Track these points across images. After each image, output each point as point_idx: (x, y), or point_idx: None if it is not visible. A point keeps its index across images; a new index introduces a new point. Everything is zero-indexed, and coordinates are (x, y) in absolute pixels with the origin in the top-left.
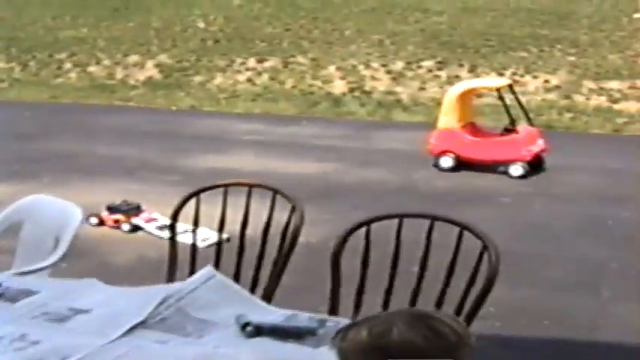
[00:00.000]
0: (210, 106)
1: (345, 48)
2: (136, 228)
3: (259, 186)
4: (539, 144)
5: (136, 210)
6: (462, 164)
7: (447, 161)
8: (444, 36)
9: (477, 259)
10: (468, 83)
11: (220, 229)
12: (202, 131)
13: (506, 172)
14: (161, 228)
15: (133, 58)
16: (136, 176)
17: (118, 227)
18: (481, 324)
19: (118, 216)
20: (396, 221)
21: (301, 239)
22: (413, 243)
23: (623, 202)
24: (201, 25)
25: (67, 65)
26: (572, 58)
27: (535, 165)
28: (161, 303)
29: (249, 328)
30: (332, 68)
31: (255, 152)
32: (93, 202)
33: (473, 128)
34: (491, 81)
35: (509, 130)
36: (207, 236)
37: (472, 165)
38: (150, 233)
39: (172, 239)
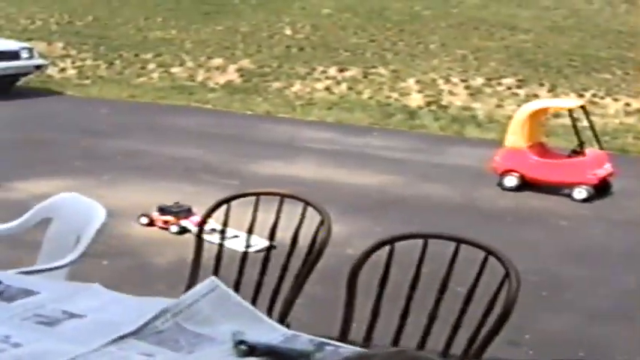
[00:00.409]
0: (285, 112)
1: (427, 62)
2: (184, 230)
3: (291, 196)
4: (607, 168)
5: (187, 212)
6: (526, 184)
7: (511, 180)
8: (529, 54)
9: (497, 287)
10: (539, 103)
11: (249, 235)
12: (272, 137)
13: (570, 195)
14: (209, 232)
15: (217, 62)
16: (196, 178)
17: (167, 228)
18: (513, 351)
19: (168, 217)
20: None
21: (348, 250)
22: (440, 264)
23: None
24: (288, 32)
25: (151, 65)
26: None
27: (601, 189)
28: (158, 316)
29: (242, 347)
30: (411, 81)
31: (320, 161)
32: (148, 202)
33: (541, 148)
34: (564, 101)
35: (577, 152)
36: (254, 242)
37: (537, 186)
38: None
39: (199, 241)
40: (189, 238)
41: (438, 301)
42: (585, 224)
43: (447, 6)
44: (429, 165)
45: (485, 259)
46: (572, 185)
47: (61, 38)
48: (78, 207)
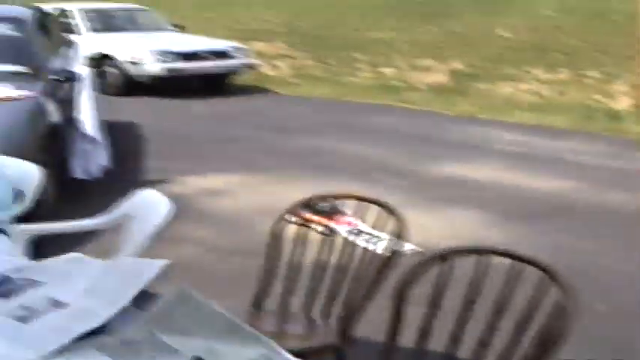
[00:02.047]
0: (486, 113)
1: None
2: (331, 231)
3: (362, 199)
4: None
5: (336, 213)
6: None
7: None
8: None
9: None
10: None
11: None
12: (464, 138)
13: None
14: (355, 234)
15: (427, 62)
16: (368, 178)
17: (312, 227)
18: None
19: (315, 216)
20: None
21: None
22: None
23: None
24: (504, 33)
25: (362, 65)
26: None
27: None
28: (133, 319)
29: None
30: (622, 84)
31: (500, 163)
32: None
33: None
34: None
35: None
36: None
37: None
38: (342, 237)
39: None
40: (333, 240)
41: (492, 325)
42: None
43: None
44: (617, 172)
45: (543, 281)
46: None
47: (283, 38)
48: (150, 204)
